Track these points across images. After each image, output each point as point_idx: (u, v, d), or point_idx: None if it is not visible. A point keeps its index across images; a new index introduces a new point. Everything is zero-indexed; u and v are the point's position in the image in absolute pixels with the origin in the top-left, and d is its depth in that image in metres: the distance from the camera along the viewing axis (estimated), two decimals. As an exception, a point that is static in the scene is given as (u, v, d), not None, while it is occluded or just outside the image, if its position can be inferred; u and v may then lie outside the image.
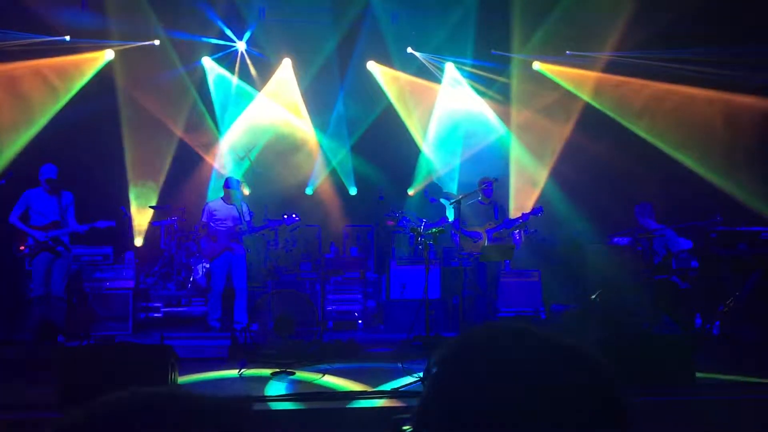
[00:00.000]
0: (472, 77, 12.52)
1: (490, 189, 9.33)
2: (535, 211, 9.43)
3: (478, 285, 9.25)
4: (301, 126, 12.45)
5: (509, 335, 1.01)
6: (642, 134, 11.33)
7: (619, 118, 11.54)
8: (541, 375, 0.94)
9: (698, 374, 5.76)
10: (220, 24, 11.66)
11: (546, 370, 0.95)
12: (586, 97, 11.86)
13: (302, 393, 5.90)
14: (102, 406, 0.90)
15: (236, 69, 12.21)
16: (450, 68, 12.51)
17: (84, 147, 10.48)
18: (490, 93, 12.51)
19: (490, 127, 12.55)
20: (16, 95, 10.48)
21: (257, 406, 5.30)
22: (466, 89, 12.63)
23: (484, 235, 9.21)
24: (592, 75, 11.82)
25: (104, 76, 11.30)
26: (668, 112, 11.26)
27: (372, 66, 12.40)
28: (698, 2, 9.89)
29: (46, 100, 10.74)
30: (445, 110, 12.72)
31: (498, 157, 12.28)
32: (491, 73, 12.37)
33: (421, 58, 12.36)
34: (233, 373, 6.57)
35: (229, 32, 11.85)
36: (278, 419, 5.10)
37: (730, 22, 10.13)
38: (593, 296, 8.89)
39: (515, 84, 12.28)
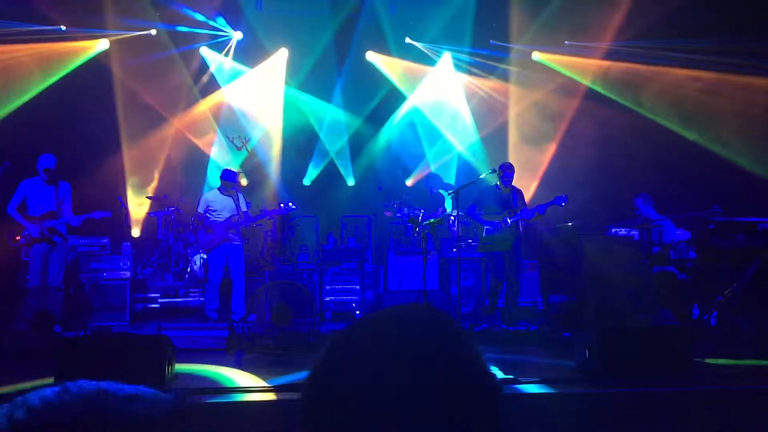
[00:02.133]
0: (470, 67, 12.49)
1: (509, 176, 8.95)
2: (558, 200, 8.81)
3: (495, 276, 9.04)
4: (298, 115, 12.43)
5: (392, 324, 1.05)
6: (643, 116, 11.33)
7: (621, 100, 11.53)
8: (416, 365, 0.98)
9: (696, 365, 5.76)
10: (217, 14, 11.63)
11: (421, 362, 0.98)
12: (587, 82, 11.85)
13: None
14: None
15: (231, 57, 12.22)
16: (448, 58, 12.48)
17: (81, 137, 10.44)
18: (489, 82, 12.48)
19: (488, 118, 12.52)
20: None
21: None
22: (464, 79, 12.60)
23: (503, 225, 8.91)
24: (591, 63, 11.81)
25: (100, 65, 11.26)
26: (668, 98, 11.27)
27: (371, 56, 12.36)
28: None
29: (26, 85, 10.69)
30: (443, 100, 12.70)
31: (496, 147, 12.26)
32: (490, 63, 12.35)
33: (420, 48, 12.33)
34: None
35: (225, 23, 11.82)
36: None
37: (730, 12, 10.13)
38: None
39: (514, 74, 12.26)
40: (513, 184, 9.10)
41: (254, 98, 12.32)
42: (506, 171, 8.96)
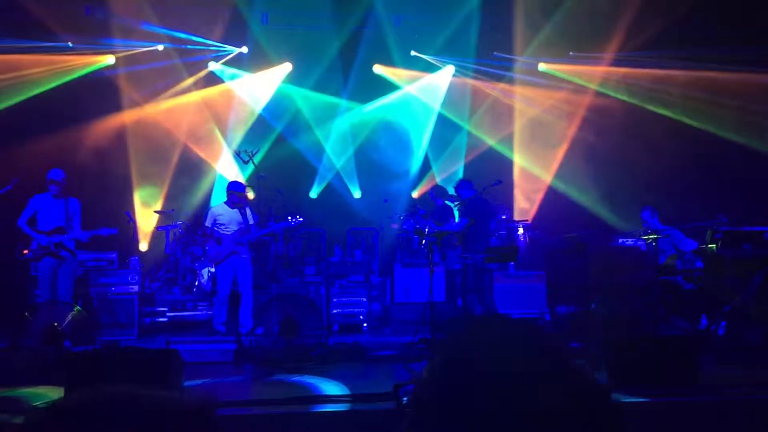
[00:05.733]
0: (476, 74, 12.54)
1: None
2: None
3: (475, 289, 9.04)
4: (304, 127, 12.51)
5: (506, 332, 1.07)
6: (651, 123, 11.37)
7: (631, 99, 11.59)
8: (530, 370, 1.00)
9: (703, 375, 5.74)
10: (223, 35, 11.76)
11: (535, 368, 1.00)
12: (594, 87, 11.91)
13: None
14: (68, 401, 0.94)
15: (238, 70, 12.33)
16: (453, 70, 12.54)
17: (89, 152, 10.54)
18: (495, 91, 12.53)
19: (493, 129, 12.55)
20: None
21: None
22: (470, 89, 12.65)
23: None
24: (598, 71, 11.87)
25: (108, 81, 11.38)
26: (678, 105, 11.33)
27: (379, 69, 12.43)
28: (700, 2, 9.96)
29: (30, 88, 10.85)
30: (449, 112, 12.74)
31: (502, 157, 12.29)
32: (494, 75, 12.41)
33: (426, 60, 12.40)
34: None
35: (232, 39, 11.93)
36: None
37: (731, 22, 10.19)
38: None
39: (520, 82, 12.32)
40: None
41: (257, 107, 12.42)
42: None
